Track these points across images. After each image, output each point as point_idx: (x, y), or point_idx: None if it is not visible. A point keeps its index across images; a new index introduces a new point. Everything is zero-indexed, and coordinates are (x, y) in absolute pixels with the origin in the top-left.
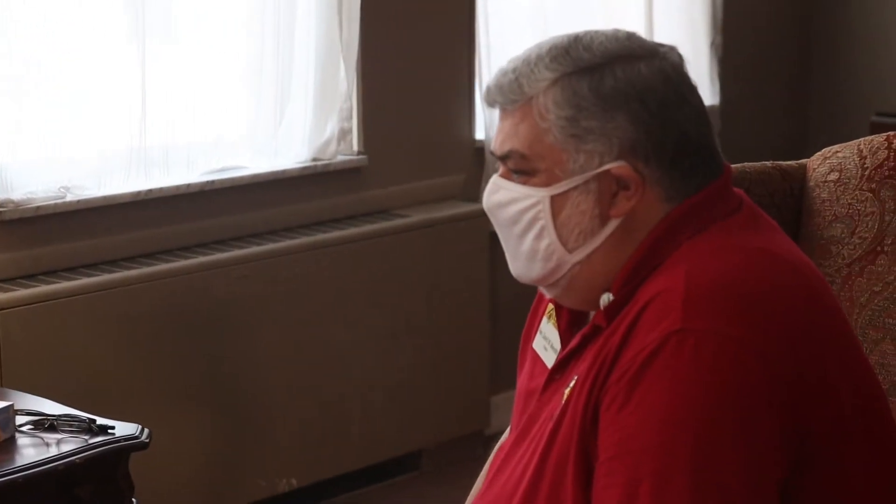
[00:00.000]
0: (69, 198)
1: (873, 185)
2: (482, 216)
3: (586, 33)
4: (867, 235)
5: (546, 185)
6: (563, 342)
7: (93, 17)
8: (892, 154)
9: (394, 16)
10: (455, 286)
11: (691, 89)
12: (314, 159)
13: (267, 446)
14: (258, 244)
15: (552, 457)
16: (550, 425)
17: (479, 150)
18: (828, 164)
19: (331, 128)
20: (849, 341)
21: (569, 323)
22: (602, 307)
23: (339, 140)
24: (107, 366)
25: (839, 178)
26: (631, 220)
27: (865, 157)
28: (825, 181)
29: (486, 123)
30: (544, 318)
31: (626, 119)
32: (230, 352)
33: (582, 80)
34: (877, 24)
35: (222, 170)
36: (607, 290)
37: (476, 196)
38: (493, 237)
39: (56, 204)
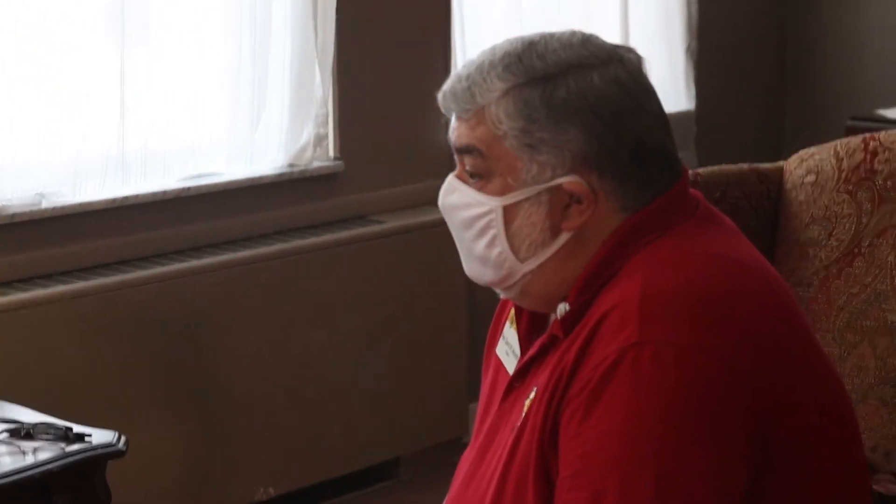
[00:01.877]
0: (45, 204)
1: (850, 187)
2: None
3: (541, 38)
4: (844, 238)
5: (499, 193)
6: (523, 349)
7: (70, 22)
8: (868, 156)
9: (369, 21)
10: (432, 292)
11: (648, 94)
12: (290, 165)
13: (244, 454)
14: (235, 251)
15: (513, 470)
16: (511, 437)
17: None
18: (805, 166)
19: (307, 133)
20: (812, 346)
21: (528, 329)
22: (559, 317)
23: (315, 146)
24: (83, 373)
25: (816, 180)
26: (584, 231)
27: (842, 160)
28: (802, 183)
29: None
30: (507, 324)
31: (579, 131)
32: (207, 359)
33: (534, 92)
34: (851, 28)
35: (198, 176)
36: (563, 298)
37: None
38: None
39: (32, 211)
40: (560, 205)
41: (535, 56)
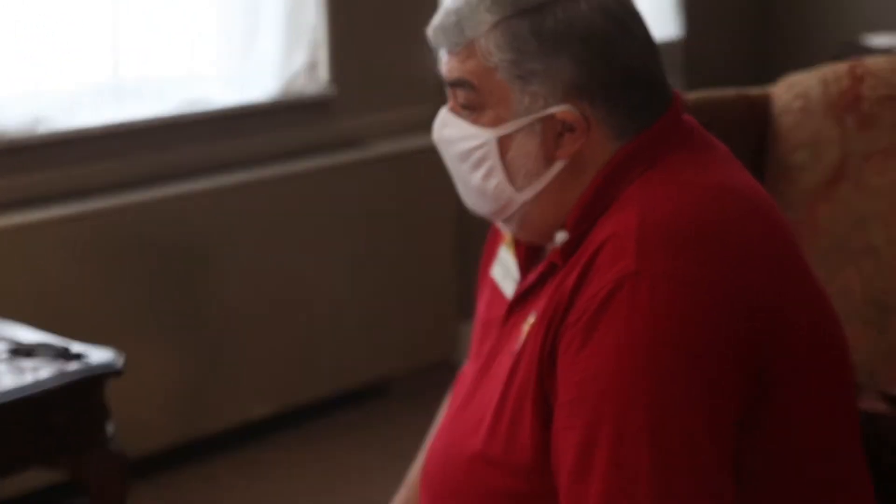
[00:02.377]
0: (41, 129)
1: (837, 113)
2: None
3: None
4: (831, 162)
5: (493, 125)
6: (522, 275)
7: None
8: (855, 82)
9: None
10: (423, 216)
11: (636, 19)
12: (283, 91)
13: (238, 373)
14: (228, 175)
15: (512, 393)
16: (510, 361)
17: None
18: (792, 91)
19: (299, 60)
20: (806, 275)
21: (527, 255)
22: (557, 245)
23: (308, 72)
24: (81, 294)
25: (803, 105)
26: (579, 159)
27: (830, 85)
28: (790, 109)
29: None
30: (503, 246)
31: (569, 60)
32: (201, 281)
33: (522, 23)
34: None
35: (192, 102)
36: (562, 227)
37: None
38: None
39: (28, 135)
40: (553, 134)
41: None
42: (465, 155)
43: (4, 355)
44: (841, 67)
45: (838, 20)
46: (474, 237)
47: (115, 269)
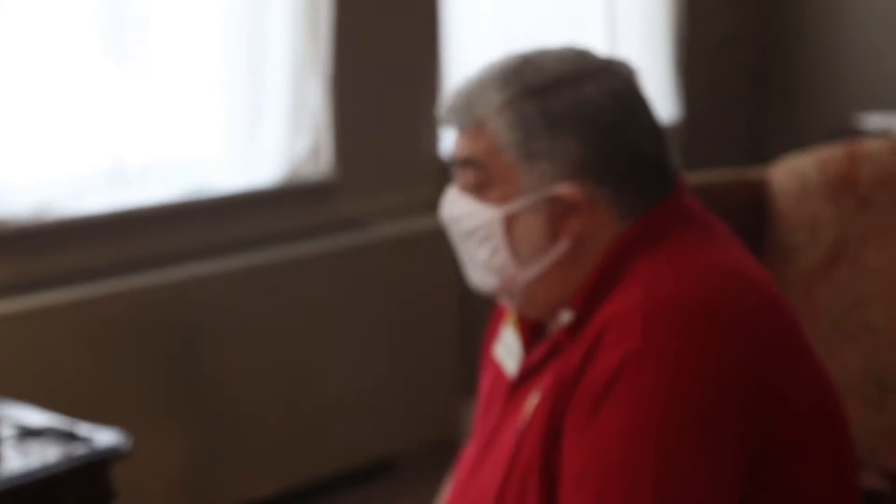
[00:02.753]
0: (47, 215)
1: (835, 194)
2: None
3: (537, 53)
4: (828, 243)
5: (500, 203)
6: (526, 352)
7: (69, 35)
8: (852, 164)
9: (364, 33)
10: (426, 297)
11: (643, 105)
12: (287, 175)
13: (244, 454)
14: (234, 259)
15: (517, 471)
16: (514, 439)
17: (449, 164)
18: (791, 174)
19: (303, 144)
20: (807, 352)
21: (531, 333)
22: (562, 325)
23: (312, 156)
24: (87, 378)
25: (802, 187)
26: (584, 238)
27: (827, 167)
28: (788, 191)
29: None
30: (505, 325)
31: (576, 141)
32: (207, 363)
33: (532, 104)
34: (831, 39)
35: (197, 187)
36: (566, 305)
37: None
38: None
39: (36, 221)
40: (558, 212)
41: (531, 69)
42: (472, 232)
43: (11, 438)
44: (838, 150)
45: (833, 100)
46: (477, 317)
47: (120, 352)
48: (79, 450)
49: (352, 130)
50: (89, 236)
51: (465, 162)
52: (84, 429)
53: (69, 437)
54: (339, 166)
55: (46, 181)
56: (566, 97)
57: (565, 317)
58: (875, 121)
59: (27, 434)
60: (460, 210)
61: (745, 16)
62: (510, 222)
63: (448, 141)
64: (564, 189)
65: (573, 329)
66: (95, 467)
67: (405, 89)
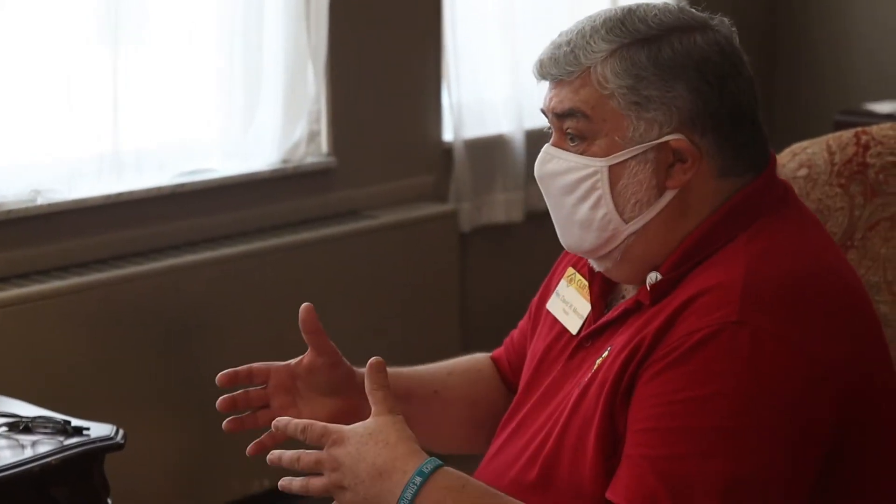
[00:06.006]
0: (40, 201)
1: (843, 181)
2: (452, 217)
3: (639, 6)
4: (837, 231)
5: (604, 153)
6: (597, 311)
7: (64, 20)
8: (860, 150)
9: (361, 18)
10: (425, 286)
11: (743, 62)
12: (284, 161)
13: (240, 447)
14: (229, 246)
15: (575, 424)
16: (577, 392)
17: (447, 151)
18: (797, 160)
19: (300, 130)
20: (883, 337)
21: (601, 292)
22: (648, 285)
23: (308, 142)
24: (81, 368)
25: (808, 173)
26: (686, 192)
27: (834, 153)
28: (794, 177)
29: (455, 125)
30: (563, 282)
31: (686, 88)
32: (202, 353)
33: (640, 51)
34: (838, 25)
35: (193, 172)
36: (656, 267)
37: (445, 196)
38: (463, 237)
39: (28, 208)
40: (665, 163)
41: (636, 20)
42: (572, 187)
43: (4, 430)
44: (846, 135)
45: (839, 89)
46: (477, 306)
47: (115, 342)
48: (72, 442)
49: (349, 116)
50: (83, 223)
51: (568, 113)
52: (77, 421)
53: (62, 429)
54: (336, 152)
55: (39, 167)
56: (675, 45)
57: (651, 277)
58: (882, 107)
59: (19, 426)
60: (558, 166)
61: (751, 3)
62: (616, 173)
63: (447, 127)
64: (673, 138)
65: (659, 291)
66: (88, 460)
67: (403, 75)
